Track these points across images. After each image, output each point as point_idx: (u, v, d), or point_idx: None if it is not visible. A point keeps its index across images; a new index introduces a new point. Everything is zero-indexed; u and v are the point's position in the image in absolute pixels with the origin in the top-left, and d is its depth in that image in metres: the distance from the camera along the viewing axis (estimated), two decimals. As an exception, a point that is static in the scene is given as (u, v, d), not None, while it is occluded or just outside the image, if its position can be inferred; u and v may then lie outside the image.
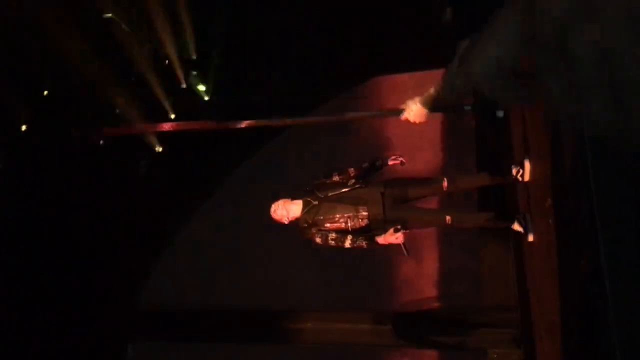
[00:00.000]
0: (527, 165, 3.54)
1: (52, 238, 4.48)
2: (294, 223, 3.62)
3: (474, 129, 4.64)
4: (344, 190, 3.64)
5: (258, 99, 5.00)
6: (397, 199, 3.60)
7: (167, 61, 4.99)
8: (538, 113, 3.18)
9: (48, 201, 4.41)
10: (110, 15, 4.39)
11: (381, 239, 3.36)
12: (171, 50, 4.93)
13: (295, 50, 5.18)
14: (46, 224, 4.43)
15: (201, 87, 5.30)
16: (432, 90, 3.02)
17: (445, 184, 3.66)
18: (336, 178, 3.76)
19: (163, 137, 4.92)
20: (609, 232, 2.04)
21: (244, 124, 4.06)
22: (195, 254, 4.90)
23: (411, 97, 3.08)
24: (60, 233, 4.51)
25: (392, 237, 3.32)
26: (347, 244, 3.46)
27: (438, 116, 4.78)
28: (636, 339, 1.95)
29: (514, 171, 3.61)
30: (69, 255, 4.55)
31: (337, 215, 3.55)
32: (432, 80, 2.84)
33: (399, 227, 3.34)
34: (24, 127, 4.37)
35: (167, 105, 4.98)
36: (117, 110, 4.67)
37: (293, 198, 3.64)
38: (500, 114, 4.17)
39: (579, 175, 2.25)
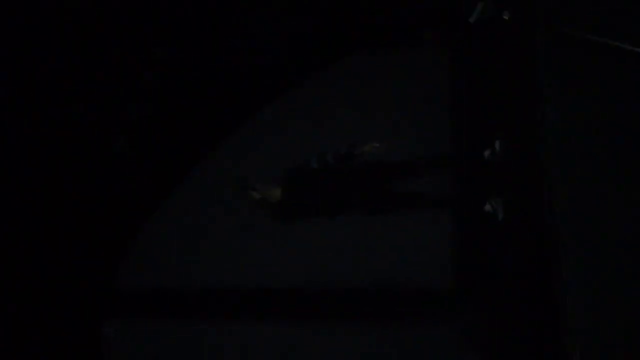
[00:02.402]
0: None
1: (24, 215, 4.46)
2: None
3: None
4: None
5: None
6: None
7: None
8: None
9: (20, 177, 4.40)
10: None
11: None
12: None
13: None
14: (19, 199, 4.42)
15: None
16: None
17: None
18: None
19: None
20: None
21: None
22: (177, 230, 4.89)
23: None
24: (34, 210, 4.50)
25: None
26: None
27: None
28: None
29: None
30: (44, 233, 4.54)
31: None
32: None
33: None
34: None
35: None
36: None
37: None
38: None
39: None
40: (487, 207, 4.07)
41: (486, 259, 4.22)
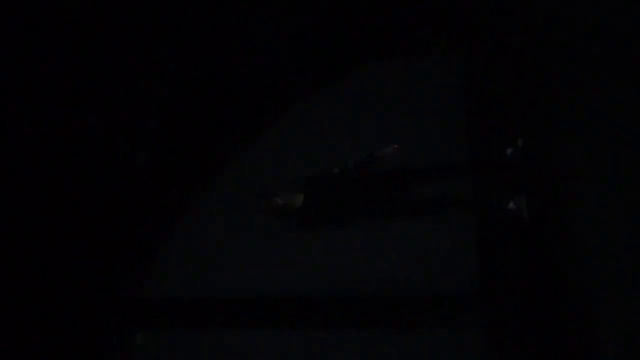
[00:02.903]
0: None
1: (52, 231, 4.49)
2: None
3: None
4: None
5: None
6: None
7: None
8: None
9: (46, 192, 4.44)
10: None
11: None
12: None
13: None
14: (47, 215, 4.45)
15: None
16: None
17: None
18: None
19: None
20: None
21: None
22: (201, 240, 4.91)
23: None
24: (61, 225, 4.53)
25: None
26: None
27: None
28: None
29: None
30: (70, 248, 4.57)
31: None
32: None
33: None
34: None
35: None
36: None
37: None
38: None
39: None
40: (511, 206, 4.05)
41: (512, 261, 4.18)
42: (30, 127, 4.63)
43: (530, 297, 4.00)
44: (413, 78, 5.10)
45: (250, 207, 4.74)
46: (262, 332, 4.54)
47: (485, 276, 4.22)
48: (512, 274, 4.14)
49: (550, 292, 3.97)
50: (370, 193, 4.43)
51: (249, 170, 5.03)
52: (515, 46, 4.56)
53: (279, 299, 4.60)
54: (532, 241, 4.11)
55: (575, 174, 3.94)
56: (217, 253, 4.81)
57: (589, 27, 4.21)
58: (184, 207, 4.97)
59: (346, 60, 5.15)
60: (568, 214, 3.97)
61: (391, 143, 4.35)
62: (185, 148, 5.05)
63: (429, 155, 4.66)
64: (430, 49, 5.15)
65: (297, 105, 5.03)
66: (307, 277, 4.61)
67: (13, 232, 4.22)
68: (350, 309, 4.52)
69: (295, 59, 5.12)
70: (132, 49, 4.98)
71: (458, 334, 4.20)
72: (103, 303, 4.56)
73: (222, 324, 4.63)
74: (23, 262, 4.27)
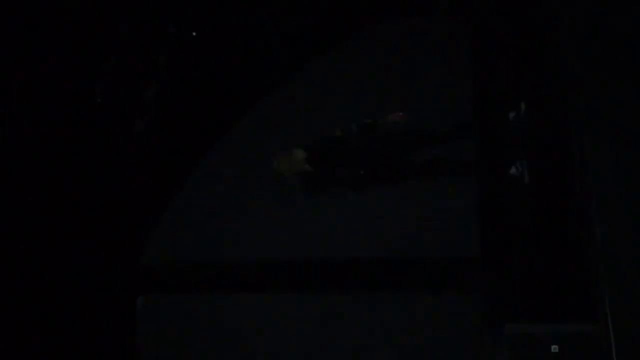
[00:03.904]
0: None
1: (50, 199, 4.49)
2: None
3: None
4: None
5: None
6: None
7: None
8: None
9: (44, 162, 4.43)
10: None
11: None
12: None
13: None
14: (47, 184, 4.45)
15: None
16: None
17: None
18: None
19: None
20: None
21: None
22: (202, 205, 4.90)
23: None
24: (59, 192, 4.53)
25: None
26: None
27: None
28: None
29: None
30: (69, 215, 4.58)
31: None
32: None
33: None
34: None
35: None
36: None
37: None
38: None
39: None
40: (513, 170, 4.04)
41: (512, 224, 4.20)
42: (25, 92, 4.58)
43: (532, 260, 4.02)
44: (416, 40, 5.04)
45: (252, 171, 4.73)
46: (264, 296, 4.56)
47: (486, 239, 4.24)
48: (512, 237, 4.16)
49: (551, 255, 3.99)
50: (373, 157, 4.42)
51: (251, 134, 5.00)
52: (518, 8, 4.48)
53: (281, 263, 4.61)
54: (533, 205, 4.11)
55: (577, 136, 3.91)
56: (218, 217, 4.81)
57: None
58: (183, 173, 4.97)
59: (347, 23, 5.08)
60: (568, 180, 3.97)
61: (395, 110, 4.32)
62: (185, 114, 5.02)
63: (431, 118, 4.63)
64: (431, 8, 5.07)
65: (300, 71, 4.98)
66: (308, 241, 4.62)
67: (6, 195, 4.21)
68: (353, 272, 4.55)
69: (296, 23, 5.05)
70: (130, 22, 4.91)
71: (459, 297, 4.24)
72: (103, 269, 4.58)
73: (222, 288, 4.65)
74: (18, 228, 4.27)
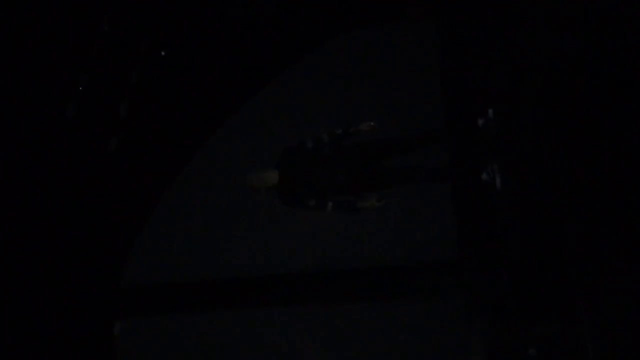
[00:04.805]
0: None
1: (26, 221, 4.45)
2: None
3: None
4: None
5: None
6: None
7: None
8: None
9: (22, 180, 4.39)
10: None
11: None
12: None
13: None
14: (19, 206, 4.41)
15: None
16: None
17: None
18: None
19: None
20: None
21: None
22: (177, 225, 4.89)
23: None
24: (35, 216, 4.49)
25: None
26: None
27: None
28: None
29: None
30: (45, 239, 4.53)
31: None
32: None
33: None
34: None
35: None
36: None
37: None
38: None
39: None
40: (484, 176, 4.05)
41: (487, 229, 4.21)
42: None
43: (506, 264, 4.03)
44: (385, 48, 5.05)
45: (226, 190, 4.72)
46: (242, 313, 4.57)
47: (463, 245, 4.25)
48: (487, 242, 4.17)
49: (524, 259, 4.01)
50: (346, 166, 4.41)
51: (222, 150, 4.99)
52: (485, 14, 4.50)
53: (261, 279, 4.60)
54: (505, 209, 4.13)
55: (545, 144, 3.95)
56: (193, 237, 4.80)
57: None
58: (157, 194, 4.94)
59: (315, 32, 5.08)
60: (539, 183, 3.99)
61: (366, 119, 4.31)
62: (156, 133, 4.99)
63: (403, 126, 4.64)
64: (400, 18, 5.08)
65: (269, 83, 4.97)
66: (287, 255, 4.63)
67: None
68: (331, 283, 4.54)
69: (264, 34, 5.04)
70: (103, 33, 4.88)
71: (436, 303, 4.25)
72: (80, 294, 4.54)
73: (201, 308, 4.65)
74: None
